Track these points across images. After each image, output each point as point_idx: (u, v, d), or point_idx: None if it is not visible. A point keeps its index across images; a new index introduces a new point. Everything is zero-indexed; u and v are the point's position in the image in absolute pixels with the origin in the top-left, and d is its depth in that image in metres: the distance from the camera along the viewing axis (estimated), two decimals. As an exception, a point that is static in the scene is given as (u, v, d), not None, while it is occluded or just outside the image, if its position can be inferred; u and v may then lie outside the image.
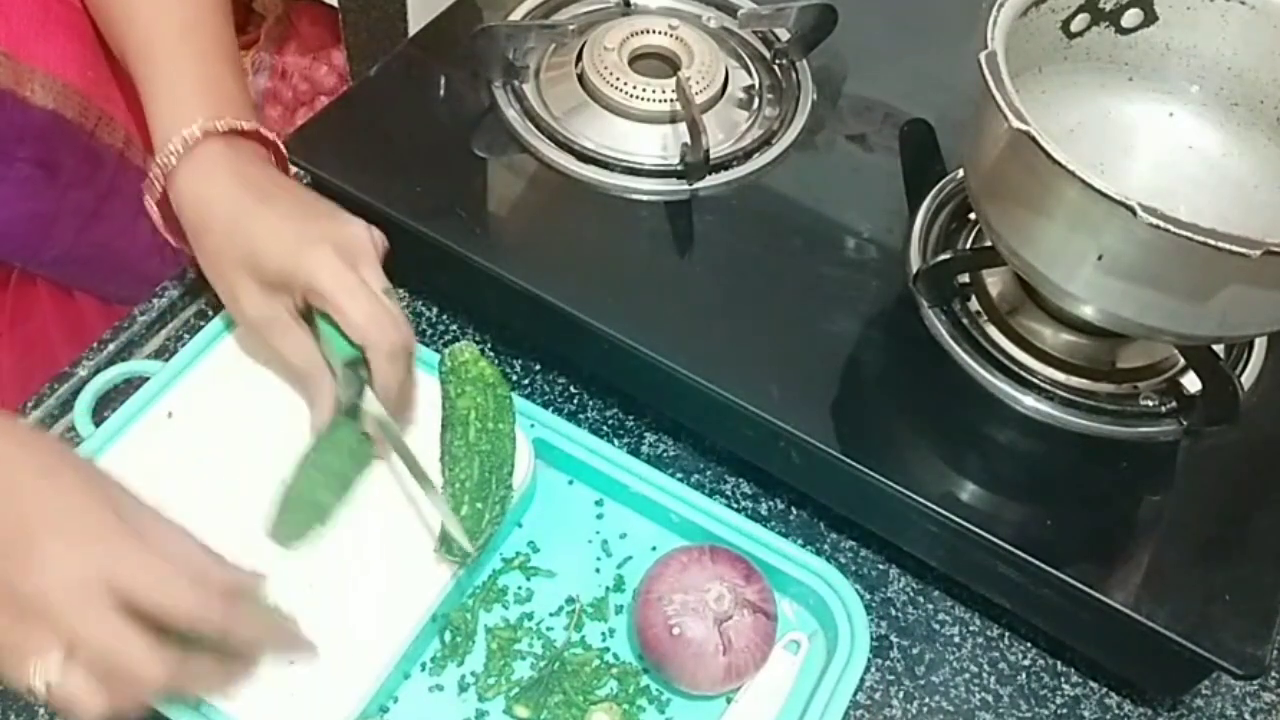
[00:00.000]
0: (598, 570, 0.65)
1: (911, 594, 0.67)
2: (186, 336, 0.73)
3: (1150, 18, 0.66)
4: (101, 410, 0.67)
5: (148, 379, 0.66)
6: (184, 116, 0.62)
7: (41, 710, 0.59)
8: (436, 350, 0.66)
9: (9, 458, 0.50)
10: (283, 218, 0.60)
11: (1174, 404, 0.64)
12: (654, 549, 0.65)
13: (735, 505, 0.69)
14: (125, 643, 0.47)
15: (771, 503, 0.69)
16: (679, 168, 0.72)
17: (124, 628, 0.47)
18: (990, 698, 0.64)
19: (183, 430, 0.64)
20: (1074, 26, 0.65)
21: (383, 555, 0.61)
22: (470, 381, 0.62)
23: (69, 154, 0.63)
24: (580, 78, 0.76)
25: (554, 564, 0.65)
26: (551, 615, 0.63)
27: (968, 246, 0.71)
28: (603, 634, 0.63)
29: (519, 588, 0.64)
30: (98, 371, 0.68)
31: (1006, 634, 0.66)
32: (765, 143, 0.75)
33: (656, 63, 0.77)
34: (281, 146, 0.67)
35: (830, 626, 0.61)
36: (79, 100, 0.72)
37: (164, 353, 0.72)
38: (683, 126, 0.73)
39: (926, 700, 0.63)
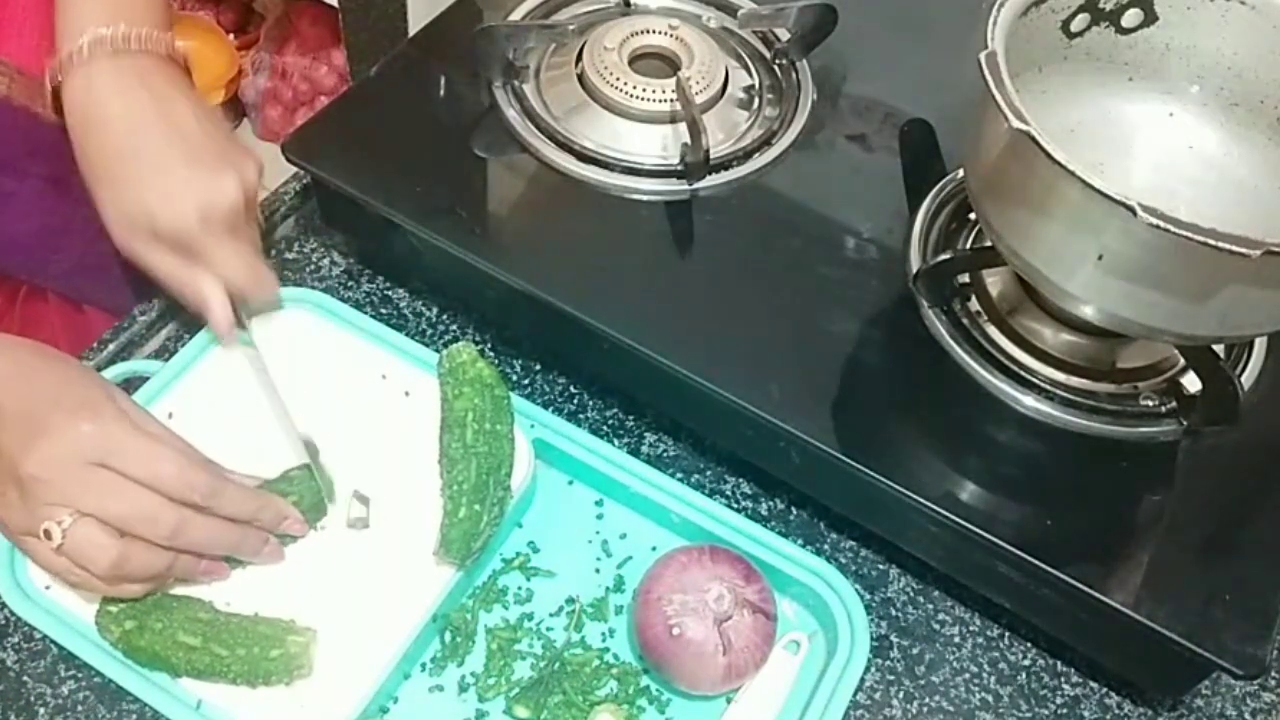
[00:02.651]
0: (598, 570, 0.65)
1: (911, 594, 0.67)
2: (186, 337, 0.73)
3: (1150, 18, 0.66)
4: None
5: (147, 379, 0.66)
6: (79, 25, 0.61)
7: (41, 710, 0.59)
8: (436, 350, 0.67)
9: (24, 359, 0.57)
10: (153, 175, 0.60)
11: (1174, 404, 0.64)
12: (654, 549, 0.65)
13: (735, 505, 0.69)
14: (129, 502, 0.53)
15: (771, 503, 0.69)
16: (679, 168, 0.72)
17: (125, 489, 0.53)
18: (990, 698, 0.64)
19: (183, 430, 0.64)
20: (1074, 26, 0.65)
21: (383, 556, 0.61)
22: (468, 383, 0.62)
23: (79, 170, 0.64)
24: (580, 78, 0.76)
25: (554, 564, 0.65)
26: (551, 615, 0.63)
27: (968, 246, 0.71)
28: (603, 634, 0.63)
29: (519, 588, 0.64)
30: (97, 372, 0.68)
31: (1006, 634, 0.66)
32: (765, 143, 0.75)
33: (656, 63, 0.77)
34: (186, 60, 0.66)
35: (830, 627, 0.61)
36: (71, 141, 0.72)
37: (164, 353, 0.72)
38: (683, 126, 0.73)
39: (926, 700, 0.63)
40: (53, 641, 0.60)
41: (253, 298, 0.64)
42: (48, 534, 0.53)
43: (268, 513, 0.59)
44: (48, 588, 0.58)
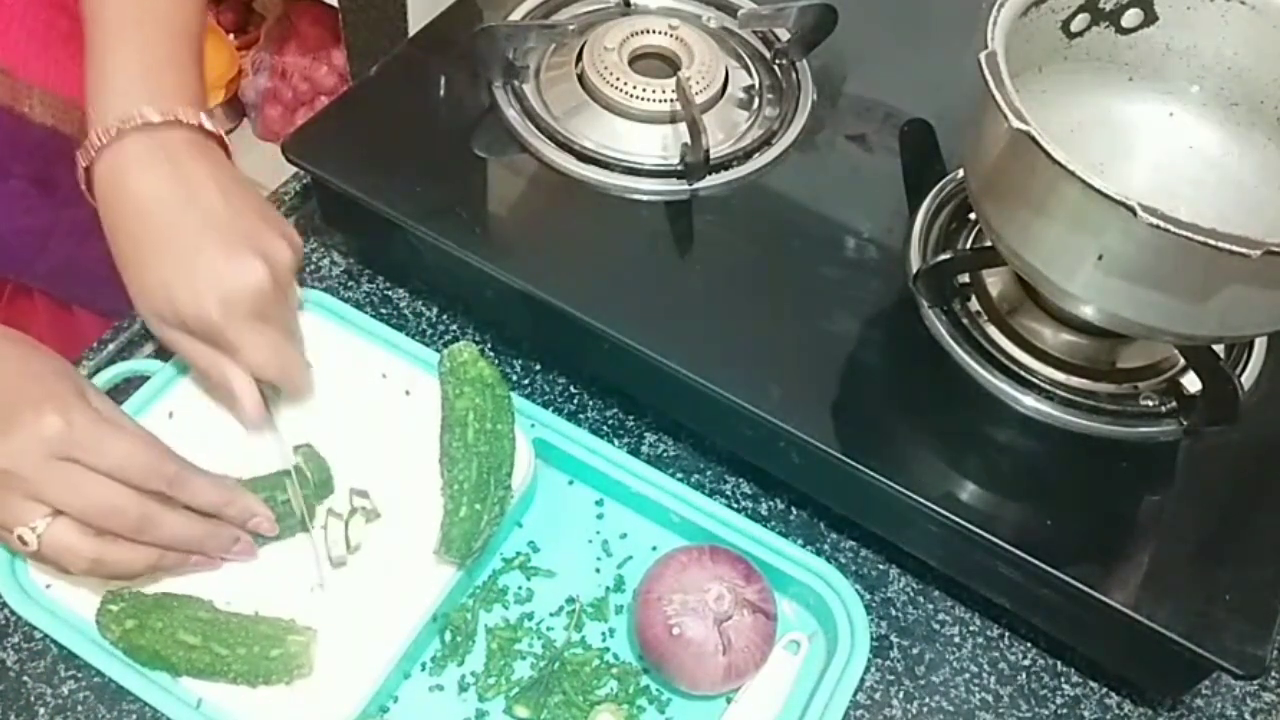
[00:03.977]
0: (598, 570, 0.65)
1: (911, 594, 0.67)
2: (186, 337, 0.73)
3: (1150, 18, 0.66)
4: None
5: (147, 379, 0.66)
6: (109, 105, 0.60)
7: (41, 710, 0.59)
8: (436, 350, 0.67)
9: None
10: (176, 263, 0.58)
11: (1174, 404, 0.64)
12: (654, 549, 0.65)
13: (735, 505, 0.69)
14: (93, 495, 0.53)
15: (771, 503, 0.69)
16: (679, 168, 0.72)
17: (90, 482, 0.53)
18: (990, 698, 0.64)
19: (183, 430, 0.64)
20: (1074, 26, 0.65)
21: (383, 555, 0.61)
22: (469, 382, 0.62)
23: (66, 170, 0.63)
24: (580, 78, 0.76)
25: (554, 564, 0.65)
26: (552, 615, 0.63)
27: (968, 246, 0.71)
28: (603, 634, 0.63)
29: (519, 588, 0.64)
30: (97, 371, 0.68)
31: (1006, 634, 0.66)
32: (765, 143, 0.75)
33: (656, 63, 0.77)
34: (208, 128, 0.63)
35: (830, 627, 0.61)
36: (78, 117, 0.71)
37: (162, 354, 0.72)
38: (683, 126, 0.73)
39: (926, 700, 0.63)
40: (53, 641, 0.61)
41: (283, 387, 0.62)
42: (23, 540, 0.53)
43: (235, 507, 0.58)
44: (48, 586, 0.58)
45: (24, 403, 0.53)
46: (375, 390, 0.66)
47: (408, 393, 0.66)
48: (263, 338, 0.60)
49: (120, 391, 0.68)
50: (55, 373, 0.56)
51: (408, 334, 0.69)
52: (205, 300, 0.58)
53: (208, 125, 0.62)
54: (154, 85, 0.60)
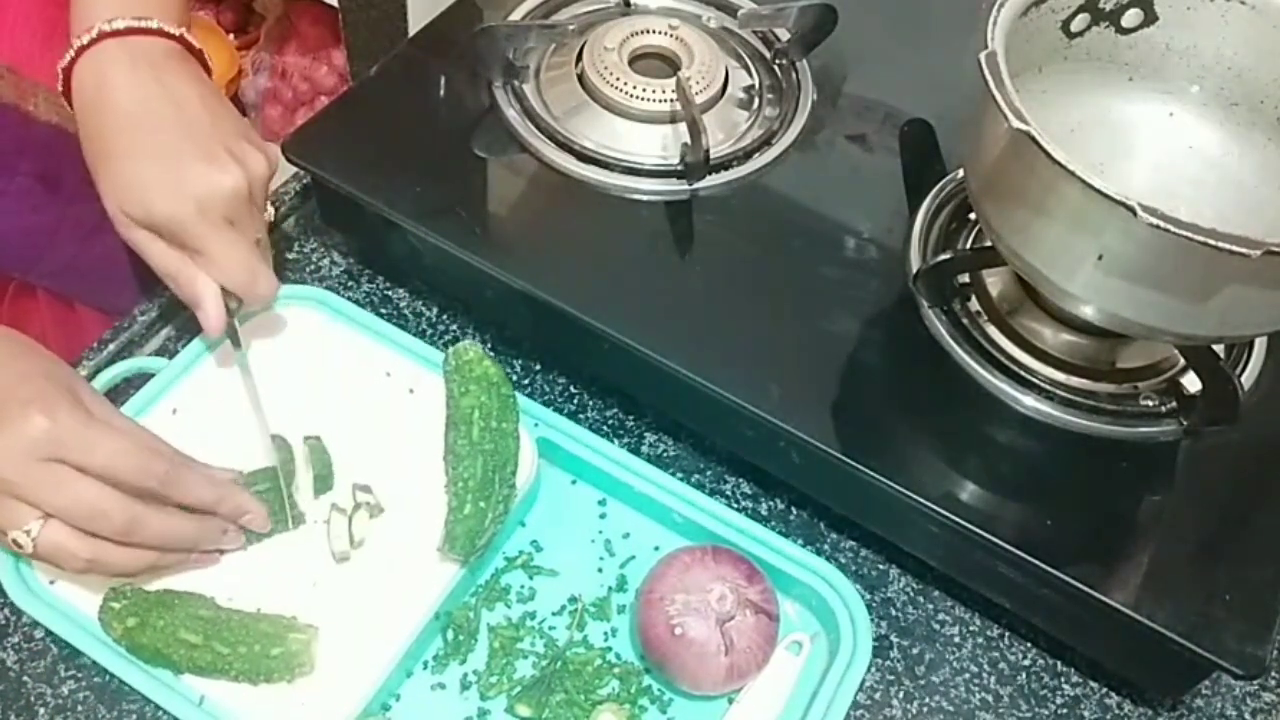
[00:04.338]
0: (600, 570, 0.65)
1: (911, 594, 0.67)
2: (187, 337, 0.73)
3: (1150, 18, 0.66)
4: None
5: (151, 377, 0.66)
6: (92, 10, 0.60)
7: (41, 710, 0.59)
8: (438, 349, 0.67)
9: None
10: (153, 162, 0.59)
11: (1174, 404, 0.64)
12: (657, 549, 0.65)
13: (735, 505, 0.69)
14: (80, 498, 0.53)
15: (771, 503, 0.69)
16: (679, 168, 0.72)
17: (87, 485, 0.53)
18: (990, 698, 0.64)
19: (187, 427, 0.64)
20: (1074, 26, 0.65)
21: (386, 553, 0.61)
22: (474, 380, 0.62)
23: (71, 168, 0.63)
24: (580, 78, 0.76)
25: (557, 563, 0.65)
26: (554, 614, 0.63)
27: (968, 246, 0.71)
28: (605, 633, 0.63)
29: (521, 587, 0.64)
30: (98, 371, 0.68)
31: (1006, 634, 0.66)
32: (765, 143, 0.75)
33: (656, 63, 0.77)
34: (190, 40, 0.64)
35: (832, 628, 0.61)
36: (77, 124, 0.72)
37: (164, 352, 0.72)
38: (683, 126, 0.73)
39: (926, 700, 0.63)
40: (53, 640, 0.61)
41: (247, 297, 0.63)
42: (17, 544, 0.53)
43: (227, 505, 0.58)
44: (52, 583, 0.58)
45: (11, 403, 0.53)
46: (379, 388, 0.67)
47: (412, 391, 0.66)
48: (232, 243, 0.60)
49: (124, 389, 0.68)
50: (45, 373, 0.56)
51: (408, 334, 0.69)
52: (181, 200, 0.58)
53: (189, 38, 0.63)
54: (140, 2, 0.61)
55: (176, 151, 0.59)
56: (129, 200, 0.59)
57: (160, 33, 0.62)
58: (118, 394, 0.67)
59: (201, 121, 0.61)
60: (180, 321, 0.73)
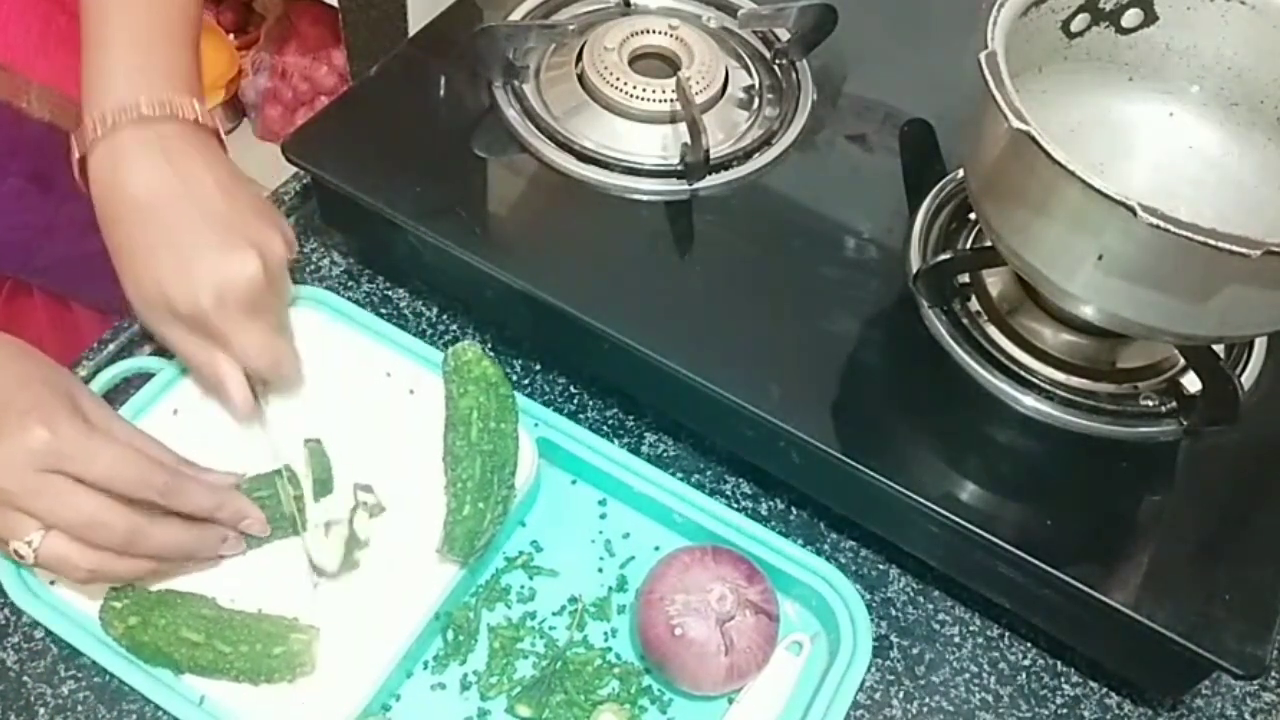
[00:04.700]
0: (600, 570, 0.65)
1: (911, 594, 0.67)
2: (187, 336, 0.73)
3: (1150, 18, 0.66)
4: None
5: (151, 376, 0.66)
6: (104, 92, 0.60)
7: (41, 710, 0.59)
8: (438, 350, 0.67)
9: None
10: (170, 255, 0.58)
11: (1174, 404, 0.64)
12: (657, 549, 0.65)
13: (735, 505, 0.69)
14: (80, 509, 0.52)
15: (771, 503, 0.69)
16: (679, 168, 0.72)
17: (86, 497, 0.52)
18: (990, 698, 0.64)
19: (187, 428, 0.64)
20: (1074, 26, 0.65)
21: (386, 553, 0.61)
22: (473, 381, 0.62)
23: (65, 166, 0.63)
24: (580, 78, 0.76)
25: (557, 563, 0.65)
26: (554, 614, 0.63)
27: (968, 246, 0.71)
28: (605, 634, 0.63)
29: (522, 587, 0.64)
30: (97, 371, 0.68)
31: (1006, 634, 0.66)
32: (765, 143, 0.75)
33: (656, 63, 0.77)
34: (204, 121, 0.63)
35: (833, 628, 0.61)
36: (76, 113, 0.72)
37: (164, 352, 0.72)
38: (683, 126, 0.73)
39: (926, 700, 0.63)
40: (53, 640, 0.61)
41: (272, 380, 0.63)
42: (19, 554, 0.53)
43: (226, 511, 0.58)
44: (52, 583, 0.58)
45: (9, 413, 0.53)
46: (379, 389, 0.67)
47: (412, 391, 0.66)
48: (254, 329, 0.60)
49: (124, 389, 0.68)
50: (44, 381, 0.55)
51: (408, 334, 0.69)
52: (199, 291, 0.58)
53: (203, 119, 0.62)
54: (149, 74, 0.61)
55: (192, 242, 0.59)
56: (149, 295, 0.59)
57: (173, 117, 0.61)
58: (117, 394, 0.67)
59: (217, 207, 0.60)
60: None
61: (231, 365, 0.61)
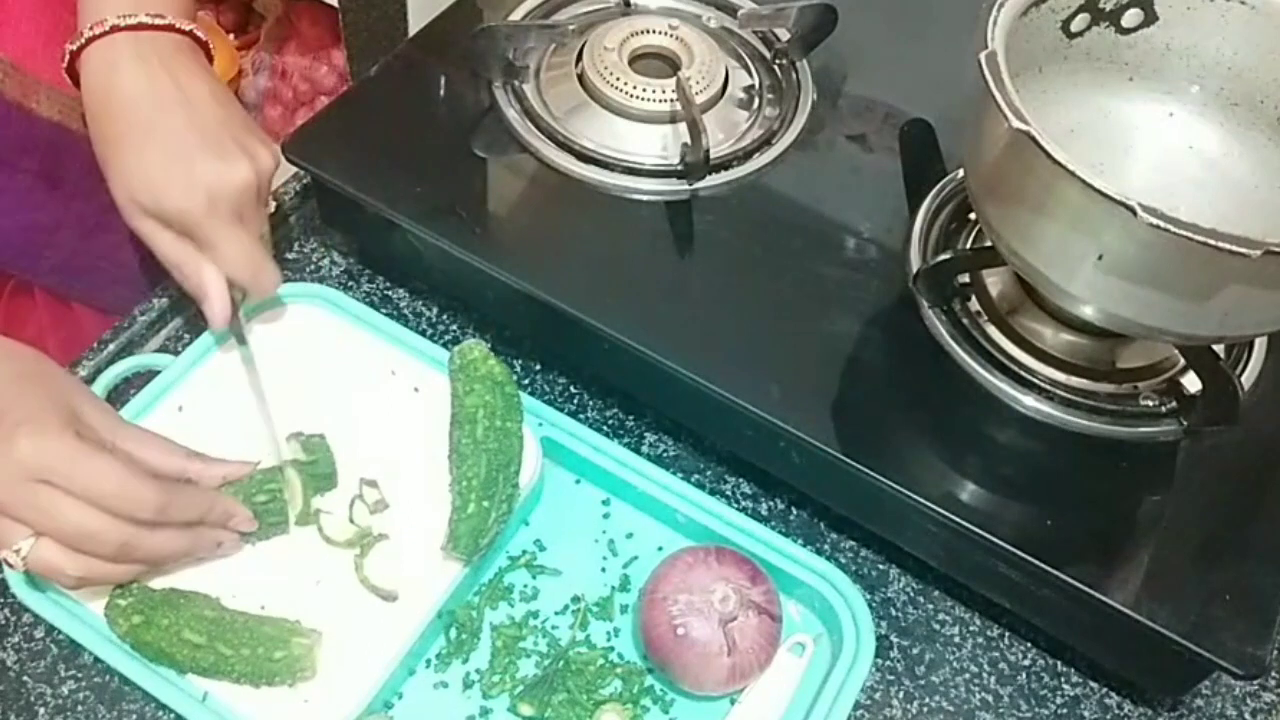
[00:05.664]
0: (603, 569, 0.65)
1: (911, 594, 0.67)
2: (188, 336, 0.73)
3: (1150, 18, 0.66)
4: (110, 404, 0.66)
5: (156, 374, 0.66)
6: (102, 6, 0.61)
7: (41, 710, 0.59)
8: (443, 348, 0.67)
9: None
10: (165, 154, 0.60)
11: (1174, 404, 0.64)
12: (660, 549, 0.65)
13: (735, 505, 0.69)
14: (70, 521, 0.52)
15: (771, 503, 0.69)
16: (679, 168, 0.72)
17: (75, 508, 0.52)
18: (990, 698, 0.64)
19: (193, 424, 0.64)
20: (1074, 26, 0.65)
21: (389, 552, 0.61)
22: (479, 379, 0.62)
23: (73, 166, 0.63)
24: (580, 78, 0.76)
25: (560, 563, 0.65)
26: (557, 614, 0.63)
27: (968, 246, 0.71)
28: (608, 633, 0.63)
29: (525, 586, 0.64)
30: (98, 371, 0.68)
31: (1006, 634, 0.66)
32: (765, 143, 0.75)
33: (656, 63, 0.77)
34: (198, 35, 0.65)
35: (835, 630, 0.61)
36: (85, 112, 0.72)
37: (165, 352, 0.72)
38: (683, 126, 0.73)
39: (926, 700, 0.63)
40: (54, 640, 0.61)
41: (252, 289, 0.64)
42: (8, 562, 0.53)
43: (214, 513, 0.58)
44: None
45: (4, 424, 0.52)
46: (384, 387, 0.67)
47: (416, 390, 0.67)
48: (239, 236, 0.61)
49: (125, 389, 0.68)
50: (44, 392, 0.55)
51: (412, 332, 0.69)
52: (190, 192, 0.59)
53: (198, 33, 0.64)
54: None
55: (187, 144, 0.60)
56: (139, 190, 0.60)
57: (170, 28, 0.62)
58: (122, 392, 0.68)
59: (211, 115, 0.61)
60: (180, 320, 0.74)
61: (214, 271, 0.62)
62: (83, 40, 0.61)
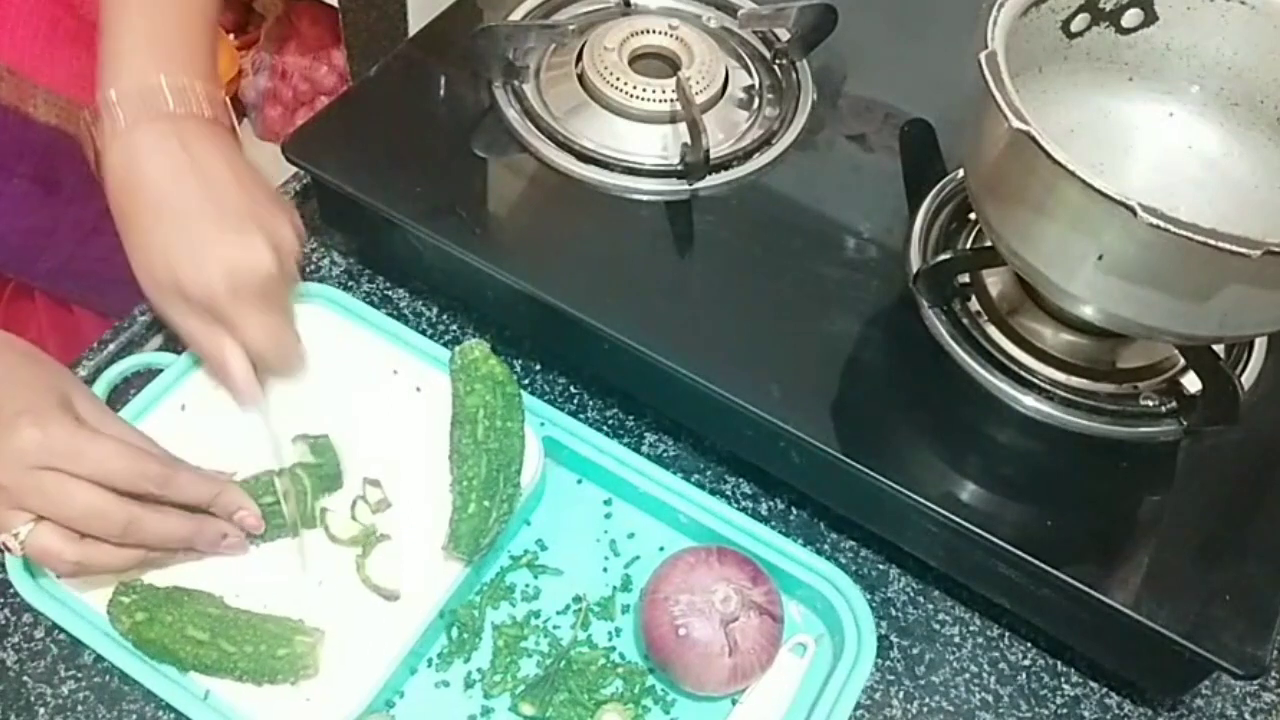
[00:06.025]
0: (605, 569, 0.65)
1: (911, 594, 0.67)
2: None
3: (1150, 18, 0.66)
4: (113, 403, 0.67)
5: (156, 375, 0.66)
6: (124, 73, 0.60)
7: (41, 710, 0.59)
8: (445, 348, 0.67)
9: None
10: (185, 235, 0.59)
11: (1174, 404, 0.64)
12: (661, 549, 0.65)
13: (735, 505, 0.69)
14: (76, 502, 0.53)
15: (771, 503, 0.69)
16: (679, 168, 0.72)
17: (81, 489, 0.53)
18: (990, 698, 0.64)
19: (196, 423, 0.64)
20: (1074, 26, 0.65)
21: (391, 551, 0.61)
22: (480, 379, 0.63)
23: (70, 170, 0.63)
24: (580, 78, 0.76)
25: (562, 562, 0.65)
26: (558, 614, 0.63)
27: (968, 246, 0.71)
28: (609, 633, 0.63)
29: (526, 585, 0.64)
30: (98, 372, 0.68)
31: (1006, 634, 0.66)
32: (765, 143, 0.75)
33: (656, 63, 0.77)
34: (232, 122, 0.65)
35: (837, 631, 0.61)
36: (83, 115, 0.72)
37: (170, 349, 0.72)
38: (683, 126, 0.73)
39: (926, 700, 0.63)
40: (54, 640, 0.61)
41: (277, 368, 0.64)
42: (6, 547, 0.54)
43: (222, 500, 0.58)
44: (59, 576, 0.58)
45: (4, 414, 0.53)
46: (386, 386, 0.67)
47: (418, 389, 0.66)
48: (264, 318, 0.61)
49: (127, 388, 0.68)
50: (41, 382, 0.56)
51: (414, 332, 0.69)
52: (213, 277, 0.59)
53: (219, 114, 0.63)
54: (169, 59, 0.61)
55: (207, 229, 0.59)
56: (158, 270, 0.59)
57: (192, 114, 0.61)
58: (122, 392, 0.68)
59: (231, 196, 0.61)
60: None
61: (238, 352, 0.61)
62: (102, 130, 0.60)
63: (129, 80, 0.60)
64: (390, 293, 0.77)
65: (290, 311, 0.65)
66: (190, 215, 0.59)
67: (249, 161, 0.64)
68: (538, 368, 0.74)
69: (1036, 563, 0.58)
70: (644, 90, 0.74)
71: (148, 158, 0.60)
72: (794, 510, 0.69)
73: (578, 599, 0.64)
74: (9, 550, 0.54)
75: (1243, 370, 0.66)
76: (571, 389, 0.73)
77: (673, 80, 0.74)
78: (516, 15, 0.81)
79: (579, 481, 0.68)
